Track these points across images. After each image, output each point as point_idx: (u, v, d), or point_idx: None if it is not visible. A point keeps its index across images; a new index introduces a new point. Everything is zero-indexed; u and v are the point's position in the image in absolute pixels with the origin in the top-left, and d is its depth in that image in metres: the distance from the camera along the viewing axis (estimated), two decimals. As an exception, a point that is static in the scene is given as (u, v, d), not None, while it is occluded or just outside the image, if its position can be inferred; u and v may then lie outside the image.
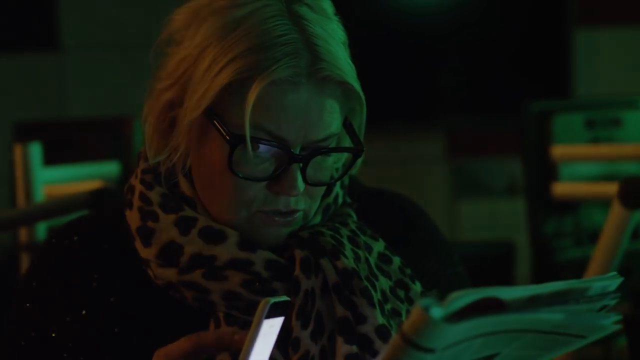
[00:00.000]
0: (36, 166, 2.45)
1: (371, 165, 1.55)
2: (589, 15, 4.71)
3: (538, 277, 2.89)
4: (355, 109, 1.29)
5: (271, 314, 1.08)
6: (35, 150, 2.45)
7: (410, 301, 1.29)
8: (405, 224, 1.38)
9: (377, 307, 1.24)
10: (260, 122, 1.21)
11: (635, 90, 4.57)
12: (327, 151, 1.25)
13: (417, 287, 1.31)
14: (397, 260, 1.31)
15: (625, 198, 2.15)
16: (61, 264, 1.30)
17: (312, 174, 1.25)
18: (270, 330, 1.09)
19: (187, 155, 1.27)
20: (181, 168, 1.28)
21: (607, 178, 2.78)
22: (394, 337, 0.89)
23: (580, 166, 2.83)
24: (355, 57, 1.28)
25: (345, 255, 1.26)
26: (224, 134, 1.22)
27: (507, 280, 3.00)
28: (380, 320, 1.24)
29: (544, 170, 2.80)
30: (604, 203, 2.75)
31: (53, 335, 1.27)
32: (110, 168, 2.77)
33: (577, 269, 2.79)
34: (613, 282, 1.00)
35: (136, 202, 1.29)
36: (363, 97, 1.27)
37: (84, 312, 1.27)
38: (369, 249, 1.30)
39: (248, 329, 1.21)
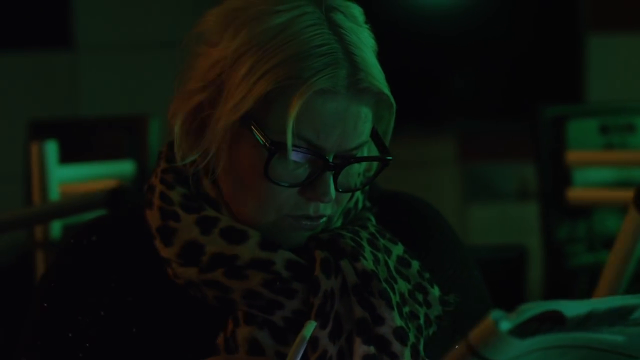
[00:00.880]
0: (52, 164, 2.45)
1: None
2: (602, 20, 4.71)
3: (550, 282, 2.89)
4: (384, 117, 1.30)
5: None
6: (51, 148, 2.46)
7: (428, 305, 1.30)
8: (422, 227, 1.39)
9: (395, 309, 1.25)
10: (301, 130, 1.22)
11: (648, 96, 4.57)
12: (358, 160, 1.26)
13: (436, 291, 1.31)
14: (415, 264, 1.32)
15: (641, 204, 2.14)
16: (79, 264, 1.31)
17: (342, 181, 1.26)
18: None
19: (218, 159, 1.27)
20: (209, 171, 1.28)
21: (621, 184, 2.79)
22: (460, 344, 0.90)
23: (594, 171, 2.83)
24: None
25: (364, 257, 1.27)
26: (264, 141, 1.22)
27: (520, 284, 3.00)
28: (398, 322, 1.25)
29: (558, 175, 2.81)
30: (617, 209, 2.76)
31: (70, 335, 1.28)
32: (126, 167, 2.78)
33: (590, 274, 2.79)
34: None
35: (157, 201, 1.30)
36: (395, 105, 1.28)
37: (102, 312, 1.28)
38: (388, 252, 1.31)
39: (265, 331, 1.23)
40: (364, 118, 1.25)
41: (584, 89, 4.66)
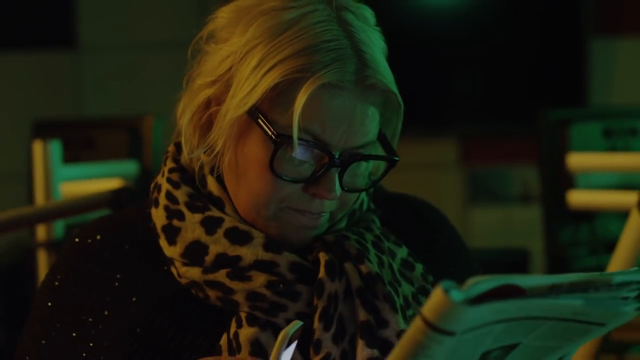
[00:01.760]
0: (55, 164, 2.45)
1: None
2: (605, 24, 4.71)
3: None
4: (392, 120, 1.30)
5: (288, 343, 1.08)
6: (55, 148, 2.46)
7: None
8: (426, 229, 1.39)
9: (399, 312, 1.25)
10: (307, 124, 1.22)
11: (651, 100, 4.57)
12: (365, 157, 1.26)
13: (439, 293, 1.31)
14: (419, 267, 1.32)
15: (643, 208, 2.14)
16: (84, 263, 1.31)
17: (347, 180, 1.26)
18: (287, 356, 1.10)
19: (222, 154, 1.27)
20: (215, 166, 1.28)
21: (624, 187, 2.78)
22: (415, 320, 0.89)
23: (597, 175, 2.83)
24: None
25: (369, 260, 1.27)
26: (270, 133, 1.22)
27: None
28: (402, 325, 1.25)
29: (561, 179, 2.80)
30: (619, 212, 2.75)
31: (74, 334, 1.28)
32: (129, 167, 2.78)
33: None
34: (635, 275, 1.00)
35: (162, 200, 1.30)
36: (402, 106, 1.28)
37: (106, 312, 1.28)
38: (393, 255, 1.31)
39: (268, 332, 1.23)
40: (371, 116, 1.25)
41: (586, 93, 4.66)
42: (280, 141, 1.22)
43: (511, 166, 4.79)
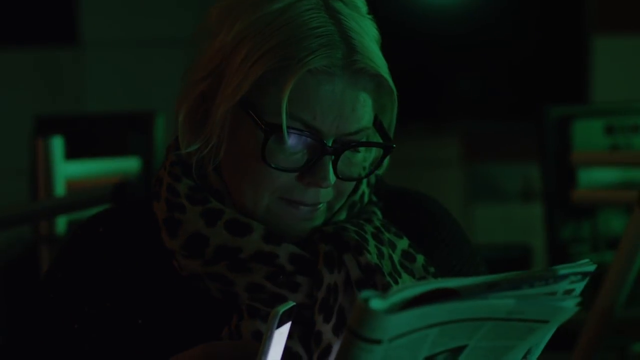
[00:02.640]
0: (58, 160, 2.45)
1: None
2: (607, 21, 4.71)
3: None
4: (386, 106, 1.30)
5: (281, 323, 1.08)
6: (58, 144, 2.46)
7: None
8: (430, 223, 1.39)
9: None
10: (296, 111, 1.22)
11: (653, 97, 4.57)
12: (358, 145, 1.26)
13: (440, 285, 1.31)
14: (420, 259, 1.33)
15: (646, 205, 2.14)
16: (86, 256, 1.31)
17: (343, 169, 1.26)
18: (280, 337, 1.10)
19: (219, 146, 1.28)
20: (212, 159, 1.29)
21: (626, 184, 2.78)
22: (345, 331, 0.91)
23: (599, 172, 2.83)
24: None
25: (368, 251, 1.27)
26: (259, 123, 1.23)
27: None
28: None
29: (563, 176, 2.80)
30: (621, 209, 2.75)
31: (76, 326, 1.28)
32: (131, 163, 2.78)
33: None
34: (583, 268, 1.00)
35: (164, 193, 1.31)
36: (395, 92, 1.28)
37: (108, 304, 1.29)
38: (393, 246, 1.31)
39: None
40: (363, 102, 1.25)
41: (588, 90, 4.66)
42: (270, 130, 1.22)
43: (512, 163, 4.79)
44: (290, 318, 1.10)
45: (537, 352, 1.06)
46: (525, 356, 1.04)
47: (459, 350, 0.98)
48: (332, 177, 1.24)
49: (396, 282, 1.27)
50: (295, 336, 1.23)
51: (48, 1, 4.72)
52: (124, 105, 4.63)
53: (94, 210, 1.96)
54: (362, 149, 1.29)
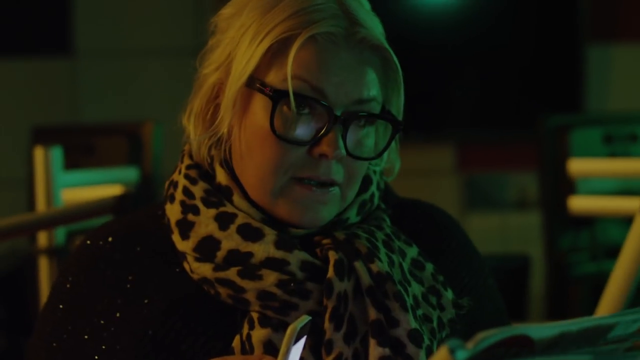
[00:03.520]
0: (56, 170, 2.45)
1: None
2: (601, 30, 4.72)
3: (552, 291, 2.89)
4: (393, 89, 1.31)
5: (297, 338, 1.08)
6: (56, 154, 2.45)
7: (441, 308, 1.30)
8: (438, 234, 1.39)
9: (410, 311, 1.25)
10: (301, 74, 1.24)
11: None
12: (367, 117, 1.27)
13: (449, 294, 1.31)
14: (430, 267, 1.32)
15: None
16: (95, 265, 1.31)
17: (352, 146, 1.26)
18: (296, 352, 1.09)
19: (228, 136, 1.29)
20: (221, 150, 1.30)
21: (624, 193, 2.79)
22: None
23: (597, 181, 2.84)
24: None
25: (379, 259, 1.27)
26: (266, 92, 1.24)
27: (522, 293, 3.00)
28: (413, 324, 1.25)
29: (561, 185, 2.81)
30: (620, 218, 2.76)
31: (85, 337, 1.28)
32: (129, 173, 2.78)
33: (592, 283, 2.79)
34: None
35: (179, 195, 1.31)
36: (400, 70, 1.29)
37: (117, 314, 1.28)
38: (403, 254, 1.31)
39: (281, 333, 1.22)
40: (369, 73, 1.26)
41: (583, 99, 4.66)
42: (277, 96, 1.24)
43: (508, 172, 4.80)
44: (306, 332, 1.10)
45: None
46: None
47: None
48: (342, 148, 1.25)
49: (406, 291, 1.27)
50: (306, 345, 1.23)
51: (42, 11, 4.71)
52: (118, 115, 4.63)
53: (95, 222, 1.96)
54: (371, 132, 1.29)
